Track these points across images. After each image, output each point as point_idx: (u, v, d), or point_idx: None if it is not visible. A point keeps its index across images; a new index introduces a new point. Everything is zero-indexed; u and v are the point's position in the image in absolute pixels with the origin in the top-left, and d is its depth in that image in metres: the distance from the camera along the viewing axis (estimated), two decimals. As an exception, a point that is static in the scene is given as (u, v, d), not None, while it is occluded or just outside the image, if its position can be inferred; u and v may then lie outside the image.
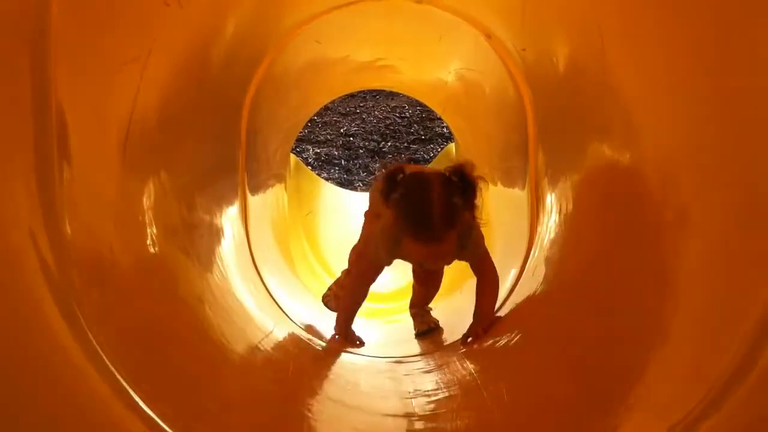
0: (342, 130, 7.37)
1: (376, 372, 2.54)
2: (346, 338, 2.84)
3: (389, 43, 3.99)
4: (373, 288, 2.87)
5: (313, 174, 6.27)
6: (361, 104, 7.67)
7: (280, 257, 3.99)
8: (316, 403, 2.06)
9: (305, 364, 2.54)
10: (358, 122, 7.46)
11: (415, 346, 3.01)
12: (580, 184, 2.48)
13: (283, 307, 3.06)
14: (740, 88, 1.39)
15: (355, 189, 6.51)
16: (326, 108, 7.24)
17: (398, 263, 2.81)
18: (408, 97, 6.92)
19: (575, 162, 2.52)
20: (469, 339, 2.63)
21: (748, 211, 1.35)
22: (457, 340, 2.71)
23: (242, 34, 2.85)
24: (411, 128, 7.35)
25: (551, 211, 2.75)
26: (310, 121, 6.92)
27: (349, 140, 7.22)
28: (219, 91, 2.84)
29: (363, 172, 6.81)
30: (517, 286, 2.88)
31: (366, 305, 2.99)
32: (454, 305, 3.31)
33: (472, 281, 2.78)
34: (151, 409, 1.35)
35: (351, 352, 2.75)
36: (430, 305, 3.25)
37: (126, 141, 1.74)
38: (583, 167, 2.44)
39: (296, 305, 3.32)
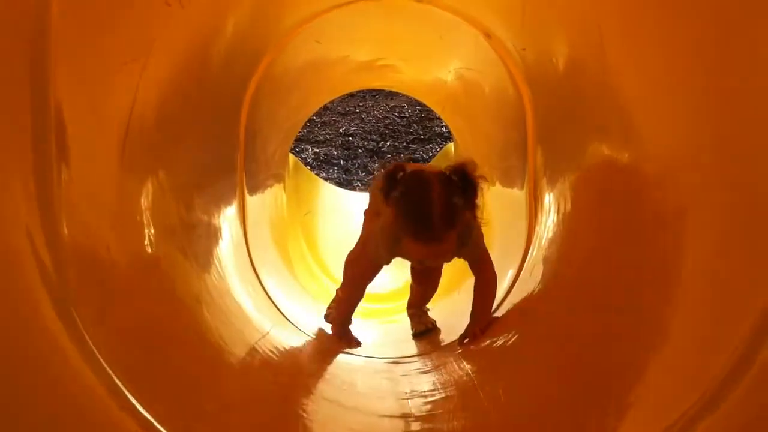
0: (341, 130, 7.36)
1: (373, 372, 2.54)
2: (343, 339, 2.83)
3: (389, 42, 3.99)
4: (371, 288, 2.87)
5: (312, 174, 6.26)
6: (361, 104, 7.66)
7: (279, 257, 3.99)
8: (313, 404, 2.06)
9: (302, 364, 2.54)
10: (357, 122, 7.46)
11: (412, 347, 3.01)
12: (579, 184, 2.48)
13: (280, 308, 3.06)
14: (739, 88, 1.39)
15: (354, 189, 6.50)
16: (325, 108, 7.22)
17: (396, 264, 2.81)
18: (407, 97, 6.92)
19: (574, 161, 2.52)
20: (466, 339, 2.63)
21: (747, 211, 1.35)
22: (454, 341, 2.71)
23: (242, 33, 2.85)
24: (410, 128, 7.34)
25: (549, 211, 2.75)
26: (309, 120, 6.92)
27: (348, 140, 7.22)
28: (218, 90, 2.83)
29: (362, 172, 6.80)
30: (515, 286, 2.88)
31: (363, 305, 2.99)
32: (452, 305, 3.30)
33: (470, 281, 2.78)
34: (147, 410, 1.35)
35: (348, 353, 2.75)
36: (427, 305, 3.24)
37: (124, 141, 1.74)
38: (582, 167, 2.45)
39: (294, 306, 3.31)
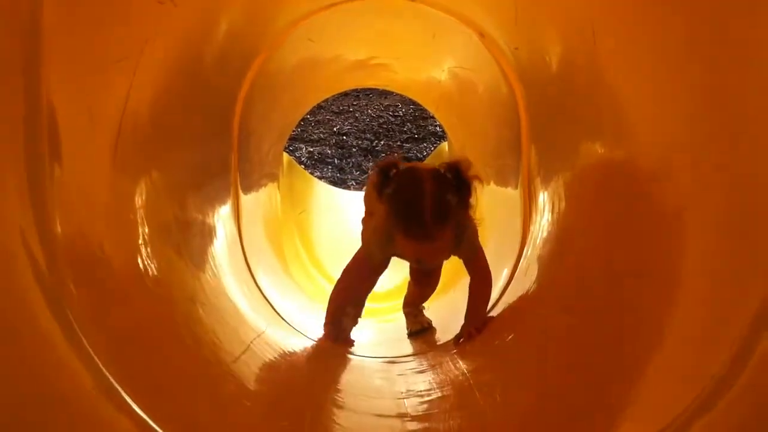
0: (335, 129, 7.36)
1: (369, 372, 2.54)
2: (336, 339, 2.75)
3: (382, 41, 3.98)
4: (367, 286, 2.86)
5: (306, 173, 6.26)
6: (354, 103, 7.66)
7: (273, 256, 3.98)
8: (308, 403, 2.06)
9: (298, 364, 2.53)
10: (351, 121, 7.45)
11: (407, 346, 3.01)
12: (573, 183, 2.49)
13: (275, 307, 3.05)
14: (734, 85, 1.39)
15: (348, 188, 6.50)
16: (319, 106, 7.22)
17: (392, 263, 2.80)
18: (401, 96, 6.91)
19: (568, 160, 2.52)
20: (462, 339, 2.62)
21: (744, 209, 1.35)
22: (449, 340, 2.71)
23: (235, 32, 2.84)
24: (404, 127, 7.34)
25: (544, 210, 2.75)
26: (303, 119, 6.91)
27: (342, 139, 7.21)
28: (212, 89, 2.83)
29: (356, 171, 6.80)
30: (510, 285, 2.88)
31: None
32: (448, 305, 3.30)
33: (465, 281, 2.78)
34: (143, 410, 1.34)
35: (343, 352, 2.74)
36: (423, 305, 3.24)
37: (118, 140, 1.73)
38: (576, 165, 2.45)
39: (289, 305, 3.31)
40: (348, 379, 2.44)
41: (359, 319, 2.84)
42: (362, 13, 3.38)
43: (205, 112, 2.78)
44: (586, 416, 1.64)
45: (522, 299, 2.63)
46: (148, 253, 1.87)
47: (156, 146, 2.08)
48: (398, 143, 7.11)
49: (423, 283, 3.17)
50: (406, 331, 3.15)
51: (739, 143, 1.37)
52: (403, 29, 3.69)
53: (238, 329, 2.37)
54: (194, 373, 1.81)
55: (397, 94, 7.04)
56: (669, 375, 1.47)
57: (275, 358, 2.41)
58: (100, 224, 1.64)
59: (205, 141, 2.82)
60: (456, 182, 2.52)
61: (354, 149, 7.08)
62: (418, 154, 6.88)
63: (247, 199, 3.38)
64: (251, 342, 2.34)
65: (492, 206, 3.36)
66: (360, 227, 3.05)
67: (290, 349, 2.61)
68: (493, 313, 2.73)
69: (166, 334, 1.85)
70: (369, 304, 2.90)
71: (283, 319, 2.98)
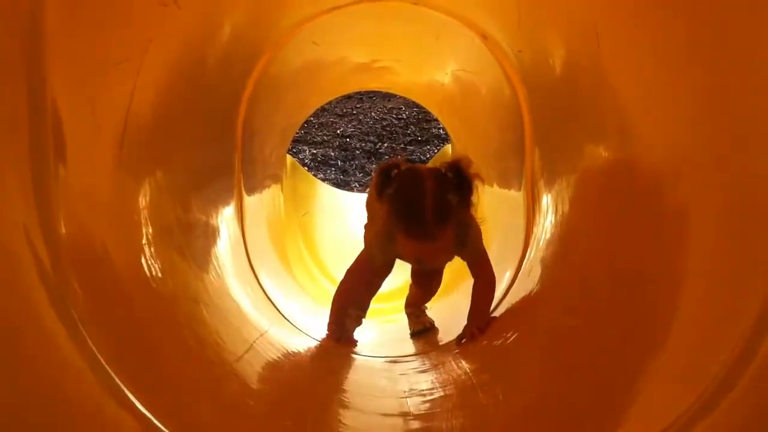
0: (338, 131, 7.37)
1: (372, 371, 2.54)
2: (339, 339, 2.77)
3: (386, 44, 3.99)
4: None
5: (310, 175, 6.27)
6: (358, 105, 7.67)
7: (276, 258, 3.99)
8: (311, 403, 2.06)
9: (301, 363, 2.54)
10: (354, 123, 7.46)
11: (410, 346, 3.01)
12: (577, 185, 2.49)
13: (279, 307, 3.06)
14: (735, 87, 1.39)
15: (351, 190, 6.50)
16: (322, 109, 7.23)
17: (396, 265, 2.81)
18: (404, 99, 6.93)
19: (571, 163, 2.52)
20: (464, 339, 2.62)
21: (746, 210, 1.35)
22: (452, 340, 2.71)
23: (239, 34, 2.85)
24: (407, 129, 7.35)
25: (547, 212, 2.76)
26: (307, 122, 6.92)
27: (346, 141, 7.22)
28: (215, 91, 2.83)
29: (359, 173, 6.81)
30: (513, 287, 2.88)
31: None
32: (450, 306, 3.31)
33: (468, 282, 2.78)
34: (147, 409, 1.35)
35: (346, 352, 2.74)
36: (426, 305, 3.24)
37: (122, 140, 1.74)
38: (579, 168, 2.45)
39: (292, 305, 3.31)
40: (351, 378, 2.45)
41: (363, 320, 2.85)
42: (366, 16, 3.39)
43: (209, 113, 2.79)
44: (589, 416, 1.63)
45: (525, 300, 2.63)
46: (151, 253, 1.87)
47: (159, 147, 2.08)
48: (401, 146, 7.12)
49: (424, 286, 3.17)
50: (408, 331, 3.15)
51: (740, 145, 1.38)
52: (406, 32, 3.69)
53: (241, 329, 2.38)
54: (197, 372, 1.81)
55: (400, 97, 7.05)
56: (671, 375, 1.47)
57: (278, 357, 2.42)
58: (103, 224, 1.65)
59: (209, 142, 2.83)
60: (457, 181, 2.52)
61: (357, 151, 7.08)
62: (422, 157, 6.88)
63: (250, 201, 3.39)
64: (254, 341, 2.35)
65: (495, 208, 3.36)
66: (362, 231, 3.06)
67: (293, 349, 2.62)
68: (496, 314, 2.73)
69: (169, 333, 1.85)
70: (372, 304, 2.90)
71: (286, 319, 2.98)
